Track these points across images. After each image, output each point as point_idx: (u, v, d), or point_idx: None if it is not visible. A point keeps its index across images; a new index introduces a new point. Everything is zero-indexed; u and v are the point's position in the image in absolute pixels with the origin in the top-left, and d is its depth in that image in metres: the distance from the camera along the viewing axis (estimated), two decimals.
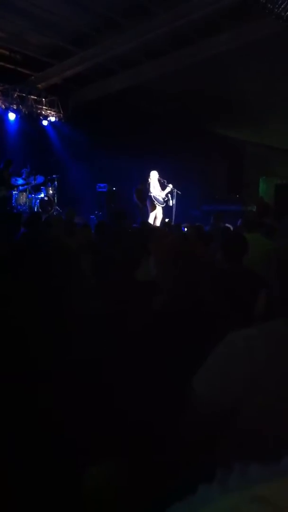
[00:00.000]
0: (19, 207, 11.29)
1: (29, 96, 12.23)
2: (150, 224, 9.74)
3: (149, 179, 11.25)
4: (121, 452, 1.57)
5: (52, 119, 12.95)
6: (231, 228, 7.84)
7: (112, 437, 1.62)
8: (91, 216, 12.15)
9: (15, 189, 11.26)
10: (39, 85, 12.40)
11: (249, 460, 0.70)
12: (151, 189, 11.20)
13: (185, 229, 7.81)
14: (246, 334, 1.33)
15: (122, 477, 1.51)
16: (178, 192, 11.41)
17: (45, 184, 11.96)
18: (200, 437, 1.41)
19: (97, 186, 13.07)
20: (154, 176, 11.29)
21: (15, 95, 11.97)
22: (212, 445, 1.34)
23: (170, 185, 11.30)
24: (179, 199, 11.49)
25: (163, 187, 11.33)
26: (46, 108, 12.81)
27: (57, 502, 1.51)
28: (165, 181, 11.32)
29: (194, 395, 1.38)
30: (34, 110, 12.47)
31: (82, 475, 1.52)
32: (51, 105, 12.89)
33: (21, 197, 11.44)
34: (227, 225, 8.44)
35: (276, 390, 1.22)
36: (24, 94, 12.13)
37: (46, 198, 11.71)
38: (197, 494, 0.69)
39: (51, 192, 11.94)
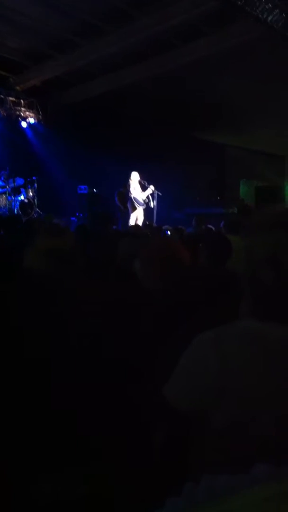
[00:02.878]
0: None
1: (7, 97, 12.13)
2: (137, 226, 9.72)
3: (130, 180, 11.22)
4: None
5: (31, 121, 12.87)
6: (213, 229, 7.89)
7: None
8: (72, 218, 12.09)
9: None
10: (18, 87, 12.31)
11: (218, 469, 0.68)
12: (132, 190, 11.17)
13: (168, 232, 7.82)
14: (214, 335, 1.30)
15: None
16: (159, 193, 11.41)
17: (24, 186, 11.86)
18: (170, 444, 1.40)
19: (77, 188, 13.02)
20: (135, 177, 11.27)
21: None
22: (182, 453, 1.33)
23: (152, 187, 11.29)
24: (160, 201, 11.50)
25: (143, 189, 11.31)
26: (25, 110, 12.72)
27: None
28: (146, 182, 11.31)
29: (165, 402, 1.35)
30: (12, 112, 12.37)
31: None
32: (30, 107, 12.81)
33: (1, 200, 11.33)
34: (209, 226, 8.49)
35: (248, 391, 1.20)
36: (2, 96, 12.01)
37: (26, 201, 11.62)
38: (165, 509, 0.66)
39: (31, 194, 11.84)
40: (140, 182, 11.33)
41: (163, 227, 8.52)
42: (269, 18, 7.34)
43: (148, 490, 1.24)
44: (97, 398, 1.60)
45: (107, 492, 1.44)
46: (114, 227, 9.80)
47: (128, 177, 11.27)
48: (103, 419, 1.60)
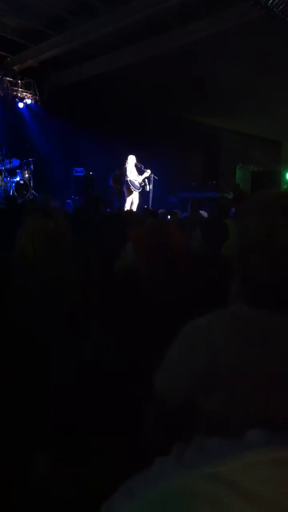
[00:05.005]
0: None
1: (4, 78, 11.99)
2: (129, 210, 9.71)
3: (126, 164, 11.17)
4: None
5: (28, 101, 12.76)
6: (205, 215, 7.88)
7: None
8: (67, 201, 12.05)
9: None
10: (15, 67, 12.17)
11: (212, 434, 0.67)
12: (128, 173, 11.13)
13: (168, 216, 7.81)
14: (204, 321, 1.30)
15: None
16: (155, 177, 11.37)
17: (20, 167, 11.79)
18: (161, 429, 1.39)
19: (73, 171, 12.96)
20: (131, 160, 11.22)
21: None
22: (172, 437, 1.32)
23: (148, 170, 11.24)
24: (156, 185, 11.46)
25: (140, 172, 11.27)
26: (22, 90, 12.60)
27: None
28: (143, 166, 11.26)
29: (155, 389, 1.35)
30: (9, 92, 12.25)
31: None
32: (27, 88, 12.69)
33: None
34: (201, 211, 8.48)
35: (239, 377, 1.19)
36: None
37: (21, 182, 11.55)
38: (153, 467, 0.66)
39: (26, 175, 11.77)
40: (136, 166, 11.28)
41: (159, 211, 8.51)
42: (269, 1, 7.26)
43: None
44: (88, 384, 1.62)
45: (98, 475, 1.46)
46: (108, 210, 9.79)
47: (124, 160, 11.22)
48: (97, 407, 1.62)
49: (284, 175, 16.82)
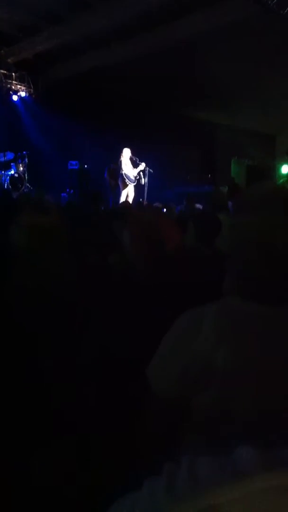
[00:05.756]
0: None
1: None
2: (126, 203, 9.69)
3: (121, 157, 11.15)
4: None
5: (22, 94, 12.69)
6: (201, 208, 7.90)
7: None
8: (62, 194, 12.01)
9: None
10: (9, 60, 12.10)
11: (199, 450, 0.64)
12: (123, 166, 11.11)
13: (165, 209, 7.82)
14: (196, 313, 1.30)
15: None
16: (151, 170, 11.35)
17: (15, 160, 11.74)
18: (155, 426, 1.38)
19: (68, 164, 12.92)
20: (126, 153, 11.20)
21: None
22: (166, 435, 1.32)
23: (143, 164, 11.22)
24: (151, 179, 11.45)
25: (135, 165, 11.25)
26: (16, 83, 12.53)
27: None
28: (138, 159, 11.24)
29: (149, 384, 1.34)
30: (3, 84, 12.19)
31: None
32: (21, 80, 12.62)
33: None
34: (197, 205, 8.50)
35: (231, 370, 1.19)
36: None
37: (16, 175, 11.51)
38: (141, 496, 0.60)
39: (21, 169, 11.73)
40: (131, 159, 11.26)
41: (154, 205, 8.52)
42: None
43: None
44: (88, 383, 1.63)
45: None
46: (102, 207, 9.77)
47: (119, 153, 11.20)
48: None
49: (279, 169, 16.84)
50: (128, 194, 11.28)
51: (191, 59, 10.66)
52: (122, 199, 11.03)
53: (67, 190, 12.53)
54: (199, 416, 1.25)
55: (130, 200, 11.17)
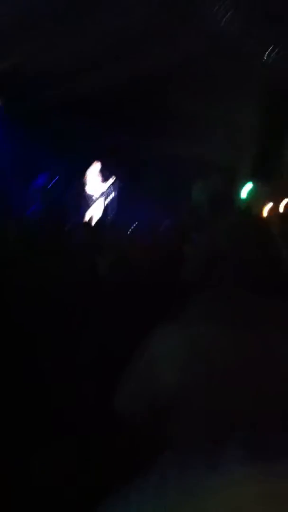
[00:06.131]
0: None
1: None
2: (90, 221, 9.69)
3: (89, 172, 11.12)
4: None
5: None
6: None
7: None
8: (27, 212, 11.86)
9: None
10: None
11: (187, 461, 0.64)
12: (90, 182, 11.08)
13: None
14: (160, 342, 1.33)
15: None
16: (120, 183, 11.31)
17: None
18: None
19: (38, 179, 12.79)
20: (94, 168, 11.18)
21: None
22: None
23: (113, 177, 11.19)
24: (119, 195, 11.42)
25: (105, 180, 11.22)
26: None
27: None
28: (108, 172, 11.20)
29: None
30: None
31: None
32: None
33: None
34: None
35: (200, 393, 1.21)
36: None
37: None
38: (131, 502, 0.61)
39: None
40: (100, 173, 11.22)
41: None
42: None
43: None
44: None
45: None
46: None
47: (87, 168, 11.16)
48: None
49: (239, 195, 17.11)
50: (95, 210, 11.21)
51: (150, 90, 10.80)
52: (88, 216, 10.94)
53: (33, 208, 12.36)
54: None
55: (97, 216, 11.10)
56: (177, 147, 16.53)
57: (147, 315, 1.97)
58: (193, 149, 16.66)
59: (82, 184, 11.25)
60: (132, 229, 7.36)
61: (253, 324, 1.27)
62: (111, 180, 11.19)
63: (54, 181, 12.69)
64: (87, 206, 11.18)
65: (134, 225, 7.88)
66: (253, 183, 14.41)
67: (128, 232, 7.48)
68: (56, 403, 1.69)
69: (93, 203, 11.17)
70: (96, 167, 11.20)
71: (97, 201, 11.21)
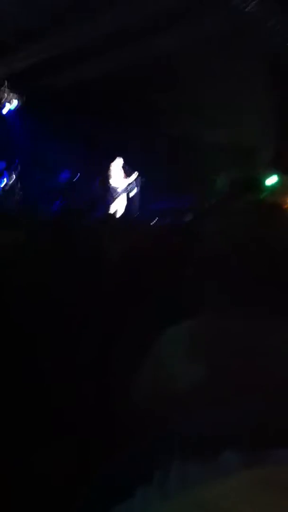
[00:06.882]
0: None
1: None
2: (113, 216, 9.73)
3: (112, 168, 11.17)
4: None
5: (13, 105, 12.74)
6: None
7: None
8: (52, 206, 12.02)
9: None
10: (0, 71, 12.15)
11: (188, 458, 0.67)
12: (113, 177, 11.13)
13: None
14: (177, 332, 1.32)
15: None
16: (142, 180, 11.34)
17: (7, 169, 11.80)
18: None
19: (59, 174, 12.94)
20: (117, 164, 11.22)
21: None
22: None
23: (135, 174, 11.22)
24: (141, 190, 11.45)
25: (127, 175, 11.26)
26: (7, 94, 12.58)
27: None
28: (129, 169, 11.24)
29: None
30: None
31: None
32: (12, 91, 12.66)
33: None
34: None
35: (214, 387, 1.19)
36: None
37: (7, 187, 11.57)
38: (136, 498, 0.63)
39: (14, 177, 11.78)
40: (122, 169, 11.26)
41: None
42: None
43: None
44: (89, 383, 1.67)
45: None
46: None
47: (109, 164, 11.22)
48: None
49: (263, 181, 16.90)
50: (118, 205, 11.29)
51: (174, 73, 10.74)
52: (112, 211, 11.03)
53: (58, 201, 12.52)
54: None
55: (121, 211, 11.19)
56: (205, 134, 16.52)
57: (150, 314, 1.98)
58: (220, 135, 16.61)
59: (105, 180, 11.30)
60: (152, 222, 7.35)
61: (265, 315, 1.26)
62: (134, 175, 11.20)
63: (77, 177, 12.86)
64: (110, 201, 11.24)
65: (155, 220, 7.87)
66: (278, 175, 14.19)
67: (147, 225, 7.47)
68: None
69: (115, 198, 11.22)
70: (118, 162, 11.23)
71: (119, 196, 11.26)
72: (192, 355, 1.24)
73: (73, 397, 1.71)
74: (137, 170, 11.41)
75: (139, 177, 11.25)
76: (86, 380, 1.76)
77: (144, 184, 11.45)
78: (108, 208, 11.20)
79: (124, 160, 11.36)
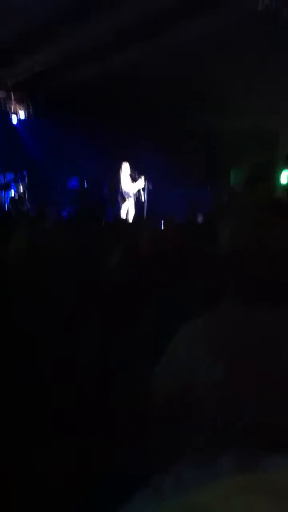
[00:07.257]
0: None
1: None
2: (122, 219, 9.75)
3: (120, 172, 11.21)
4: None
5: (21, 114, 12.83)
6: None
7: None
8: (62, 213, 12.08)
9: None
10: (7, 81, 12.24)
11: (185, 461, 0.68)
12: (122, 182, 11.17)
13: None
14: (201, 323, 1.31)
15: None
16: (149, 187, 11.38)
17: (15, 180, 11.87)
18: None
19: (68, 182, 13.01)
20: (125, 169, 11.26)
21: None
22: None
23: (142, 179, 11.26)
24: (151, 190, 11.46)
25: (134, 180, 11.29)
26: (15, 104, 12.68)
27: None
28: (137, 174, 11.28)
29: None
30: (2, 107, 12.34)
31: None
32: (20, 101, 12.76)
33: None
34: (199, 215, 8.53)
35: (236, 379, 1.19)
36: None
37: (16, 197, 11.64)
38: (133, 503, 0.64)
39: (21, 188, 11.86)
40: (130, 174, 11.31)
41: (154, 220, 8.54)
42: None
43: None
44: (89, 382, 1.67)
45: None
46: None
47: (118, 168, 11.26)
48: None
49: (279, 177, 16.71)
50: (128, 209, 11.33)
51: (187, 63, 10.65)
52: (122, 215, 11.07)
53: (67, 208, 12.59)
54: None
55: (130, 215, 11.21)
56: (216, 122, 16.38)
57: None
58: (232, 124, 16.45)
59: (116, 183, 11.34)
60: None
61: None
62: (142, 180, 11.23)
63: (88, 181, 12.92)
64: (121, 203, 11.28)
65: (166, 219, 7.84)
66: None
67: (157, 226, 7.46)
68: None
69: (126, 201, 11.26)
70: (127, 167, 11.28)
71: (130, 199, 11.29)
72: (210, 350, 1.23)
73: (73, 397, 1.71)
74: (147, 171, 11.43)
75: (149, 179, 11.26)
76: (86, 380, 1.76)
77: (154, 185, 11.45)
78: (117, 212, 11.23)
79: (133, 162, 11.39)
